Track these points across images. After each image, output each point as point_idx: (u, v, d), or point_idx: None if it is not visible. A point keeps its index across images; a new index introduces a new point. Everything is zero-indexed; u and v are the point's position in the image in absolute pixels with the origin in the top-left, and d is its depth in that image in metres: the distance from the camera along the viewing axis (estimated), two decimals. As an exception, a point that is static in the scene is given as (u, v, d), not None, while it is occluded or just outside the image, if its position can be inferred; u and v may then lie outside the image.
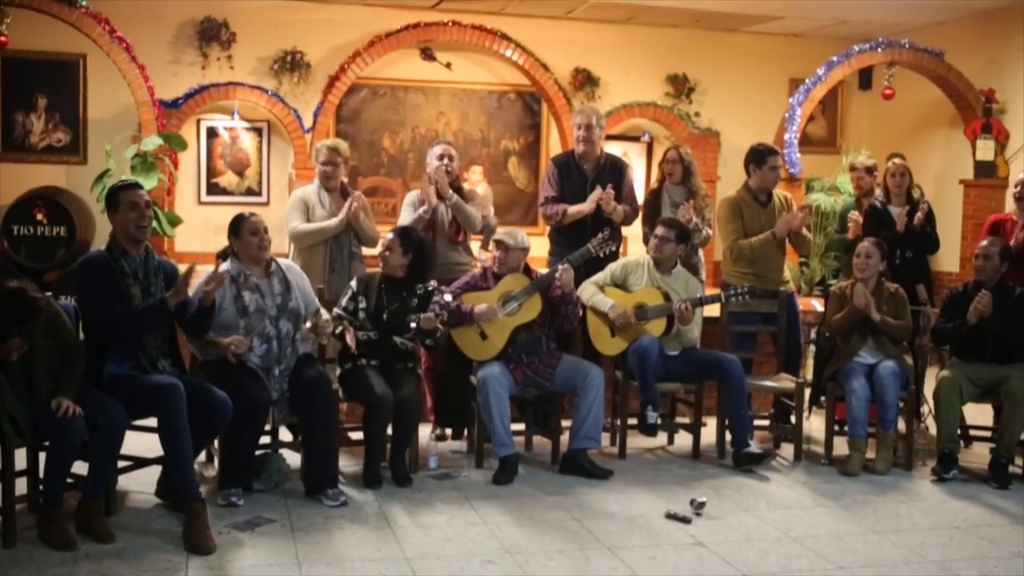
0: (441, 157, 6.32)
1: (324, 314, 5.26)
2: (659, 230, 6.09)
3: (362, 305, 5.55)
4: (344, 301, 5.58)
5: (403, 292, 5.60)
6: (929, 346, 6.28)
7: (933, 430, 6.06)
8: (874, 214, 6.87)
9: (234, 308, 5.08)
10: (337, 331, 5.37)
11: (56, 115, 10.10)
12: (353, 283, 5.66)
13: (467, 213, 6.33)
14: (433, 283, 5.70)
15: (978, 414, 6.47)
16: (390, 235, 5.69)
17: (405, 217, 6.29)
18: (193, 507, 4.45)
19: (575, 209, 6.37)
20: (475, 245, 7.09)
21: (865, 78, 11.81)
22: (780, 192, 6.68)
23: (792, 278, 6.70)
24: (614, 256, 6.34)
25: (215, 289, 4.82)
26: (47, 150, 10.09)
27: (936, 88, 10.33)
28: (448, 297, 5.64)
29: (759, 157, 6.49)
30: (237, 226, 5.22)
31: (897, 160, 7.12)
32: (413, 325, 5.42)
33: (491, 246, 6.30)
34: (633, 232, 7.54)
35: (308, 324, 5.21)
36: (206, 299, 4.79)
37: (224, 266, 5.03)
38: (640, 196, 7.13)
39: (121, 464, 4.80)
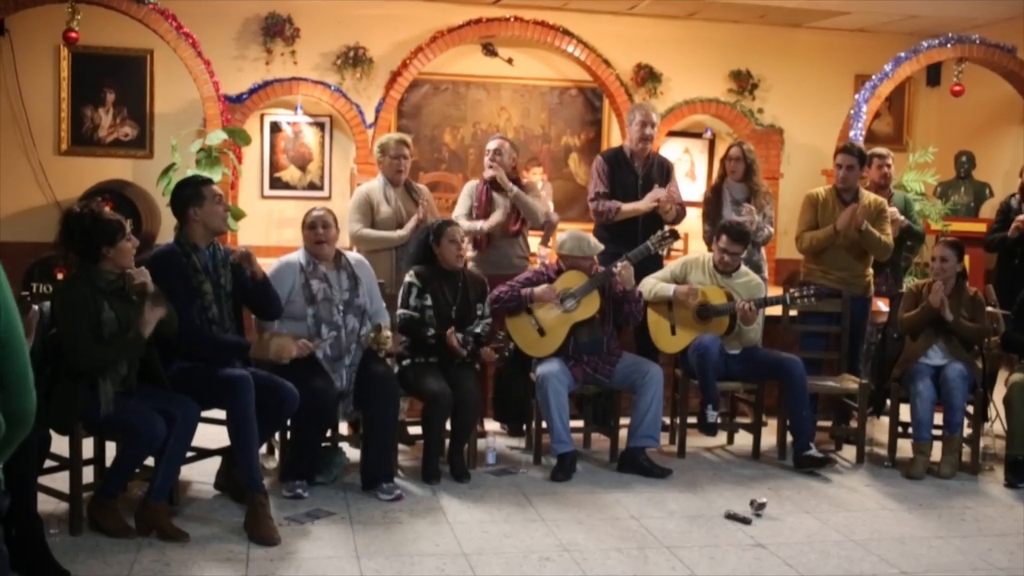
0: (491, 153, 6.32)
1: (386, 330, 5.18)
2: (725, 242, 5.97)
3: (427, 303, 5.49)
4: (411, 300, 5.47)
5: (459, 283, 5.59)
6: (996, 351, 6.14)
7: (1000, 433, 5.94)
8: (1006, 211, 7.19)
9: (302, 297, 5.10)
10: (430, 332, 5.38)
11: (124, 109, 10.25)
12: (412, 278, 5.53)
13: (529, 205, 6.30)
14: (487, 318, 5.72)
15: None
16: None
17: (462, 207, 6.27)
18: (257, 498, 4.48)
19: (631, 207, 6.29)
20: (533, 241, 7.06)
21: (933, 74, 11.57)
22: (873, 196, 6.40)
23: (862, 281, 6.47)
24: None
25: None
26: (114, 144, 10.25)
27: (1007, 84, 10.08)
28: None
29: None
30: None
31: None
32: (470, 348, 5.48)
33: (551, 242, 6.28)
34: (694, 229, 7.46)
35: (369, 333, 5.15)
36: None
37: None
38: (698, 193, 7.05)
39: (184, 455, 4.86)
